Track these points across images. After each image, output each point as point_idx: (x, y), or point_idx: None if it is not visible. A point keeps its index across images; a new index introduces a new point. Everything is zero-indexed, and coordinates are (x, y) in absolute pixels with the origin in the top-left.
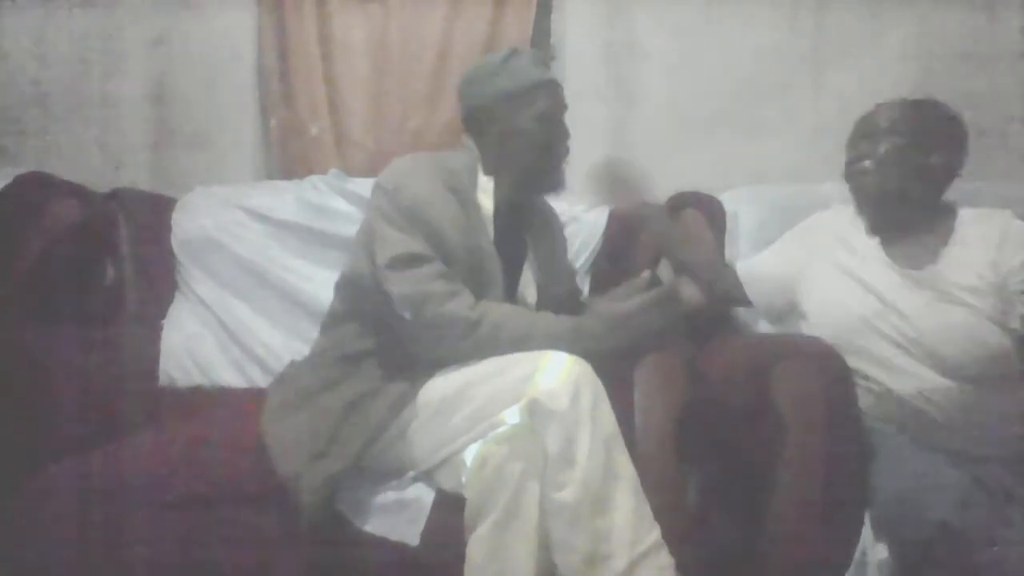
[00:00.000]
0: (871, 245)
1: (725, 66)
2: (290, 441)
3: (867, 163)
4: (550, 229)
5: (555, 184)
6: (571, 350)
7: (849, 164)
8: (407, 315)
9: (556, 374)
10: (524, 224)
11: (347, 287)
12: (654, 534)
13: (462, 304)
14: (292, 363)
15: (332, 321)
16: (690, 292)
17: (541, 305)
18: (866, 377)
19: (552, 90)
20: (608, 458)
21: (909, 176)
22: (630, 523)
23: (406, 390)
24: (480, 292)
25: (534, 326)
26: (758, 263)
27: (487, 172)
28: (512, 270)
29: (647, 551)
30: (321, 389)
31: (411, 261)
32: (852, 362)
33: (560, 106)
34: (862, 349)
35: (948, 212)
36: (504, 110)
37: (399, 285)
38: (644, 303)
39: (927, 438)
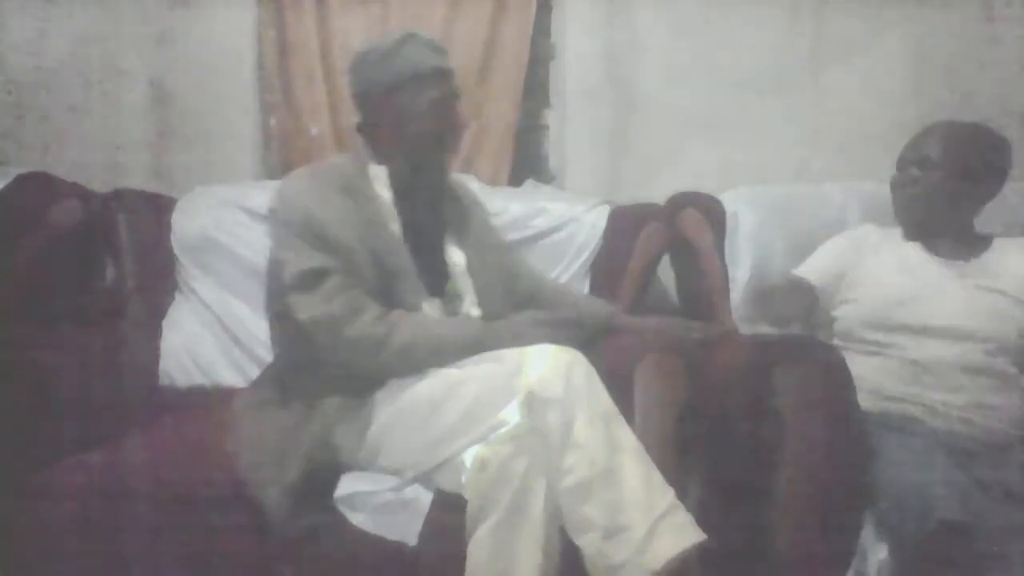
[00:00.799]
0: (913, 246)
1: (725, 66)
2: (246, 464)
3: (917, 191)
4: (462, 206)
5: (446, 171)
6: (476, 349)
7: (897, 187)
8: (315, 340)
9: (544, 363)
10: (435, 205)
11: (270, 314)
12: (668, 496)
13: (366, 322)
14: (242, 388)
15: (273, 342)
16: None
17: (475, 276)
18: (895, 347)
19: (445, 78)
20: (609, 433)
21: (954, 207)
22: (642, 489)
23: (339, 404)
24: (390, 283)
25: (443, 336)
26: (812, 264)
27: (379, 161)
28: (433, 251)
29: (664, 513)
30: (256, 412)
31: (310, 279)
32: (883, 337)
33: (453, 94)
34: (898, 324)
35: (983, 237)
36: (396, 96)
37: (302, 311)
38: (539, 322)
39: (934, 421)
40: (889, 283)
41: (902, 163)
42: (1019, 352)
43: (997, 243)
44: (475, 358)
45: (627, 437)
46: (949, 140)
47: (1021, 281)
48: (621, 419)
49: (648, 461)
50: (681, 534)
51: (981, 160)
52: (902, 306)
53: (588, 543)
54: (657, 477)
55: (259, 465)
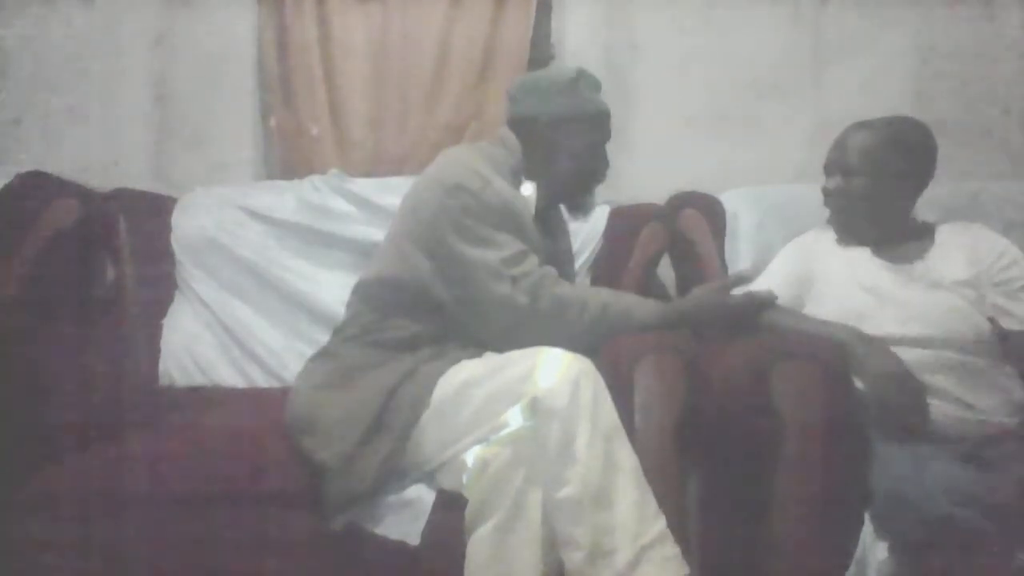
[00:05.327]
0: (862, 252)
1: (725, 66)
2: (334, 423)
3: (840, 196)
4: (565, 230)
5: (587, 207)
6: (659, 326)
7: (825, 192)
8: (523, 301)
9: (555, 371)
10: (550, 226)
11: (383, 288)
12: (659, 525)
13: (570, 287)
14: (331, 341)
15: (367, 308)
16: None
17: None
18: None
19: (606, 121)
20: (608, 452)
21: (879, 205)
22: (633, 516)
23: (439, 369)
24: None
25: (632, 307)
26: (766, 284)
27: (529, 177)
28: None
29: (652, 542)
30: (363, 370)
31: (520, 257)
32: None
33: (608, 137)
34: None
35: (926, 226)
36: (562, 130)
37: (512, 281)
38: (745, 305)
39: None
40: (846, 297)
41: (826, 170)
42: (989, 348)
43: (940, 233)
44: (488, 360)
45: (627, 458)
46: (865, 144)
47: (968, 274)
48: (624, 437)
49: (644, 485)
50: (665, 567)
51: (901, 156)
52: (862, 321)
53: (572, 560)
54: (651, 503)
55: (356, 426)
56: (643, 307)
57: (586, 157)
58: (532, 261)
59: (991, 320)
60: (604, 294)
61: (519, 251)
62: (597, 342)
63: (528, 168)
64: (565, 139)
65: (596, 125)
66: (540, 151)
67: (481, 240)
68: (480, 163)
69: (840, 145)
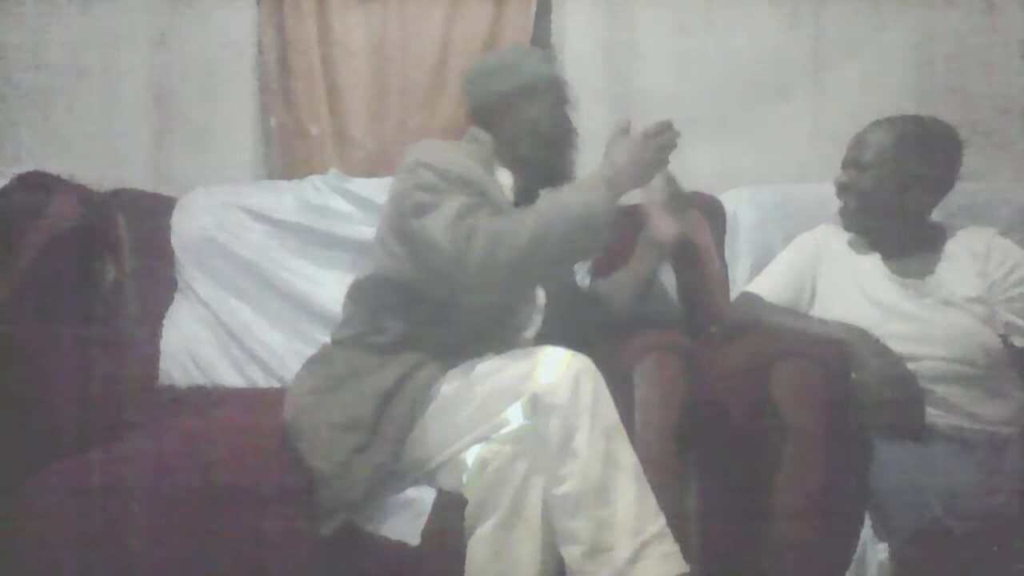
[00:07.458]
0: (871, 260)
1: (725, 66)
2: (327, 430)
3: (850, 191)
4: None
5: (565, 175)
6: (606, 200)
7: (838, 188)
8: (460, 246)
9: (555, 368)
10: None
11: (374, 287)
12: (658, 522)
13: (503, 217)
14: (327, 344)
15: (360, 309)
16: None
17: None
18: None
19: (560, 86)
20: (608, 448)
21: (888, 203)
22: (633, 512)
23: (434, 374)
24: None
25: (564, 198)
26: (767, 282)
27: (503, 165)
28: None
29: (651, 539)
30: (358, 374)
31: (467, 209)
32: None
33: (568, 102)
34: None
35: (938, 230)
36: (517, 104)
37: (453, 233)
38: (650, 135)
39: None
40: (851, 308)
41: (843, 164)
42: (995, 363)
43: (952, 240)
44: (489, 359)
45: (627, 455)
46: (881, 140)
47: (979, 289)
48: (624, 435)
49: (644, 482)
50: (664, 564)
51: (919, 157)
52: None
53: (571, 556)
54: (650, 500)
55: (349, 435)
56: (575, 191)
57: (546, 125)
58: (482, 212)
59: (1003, 337)
60: (538, 203)
61: (466, 204)
62: (558, 251)
63: (500, 155)
64: (521, 111)
65: (548, 93)
66: (504, 131)
67: (433, 206)
68: (449, 147)
69: (859, 140)
